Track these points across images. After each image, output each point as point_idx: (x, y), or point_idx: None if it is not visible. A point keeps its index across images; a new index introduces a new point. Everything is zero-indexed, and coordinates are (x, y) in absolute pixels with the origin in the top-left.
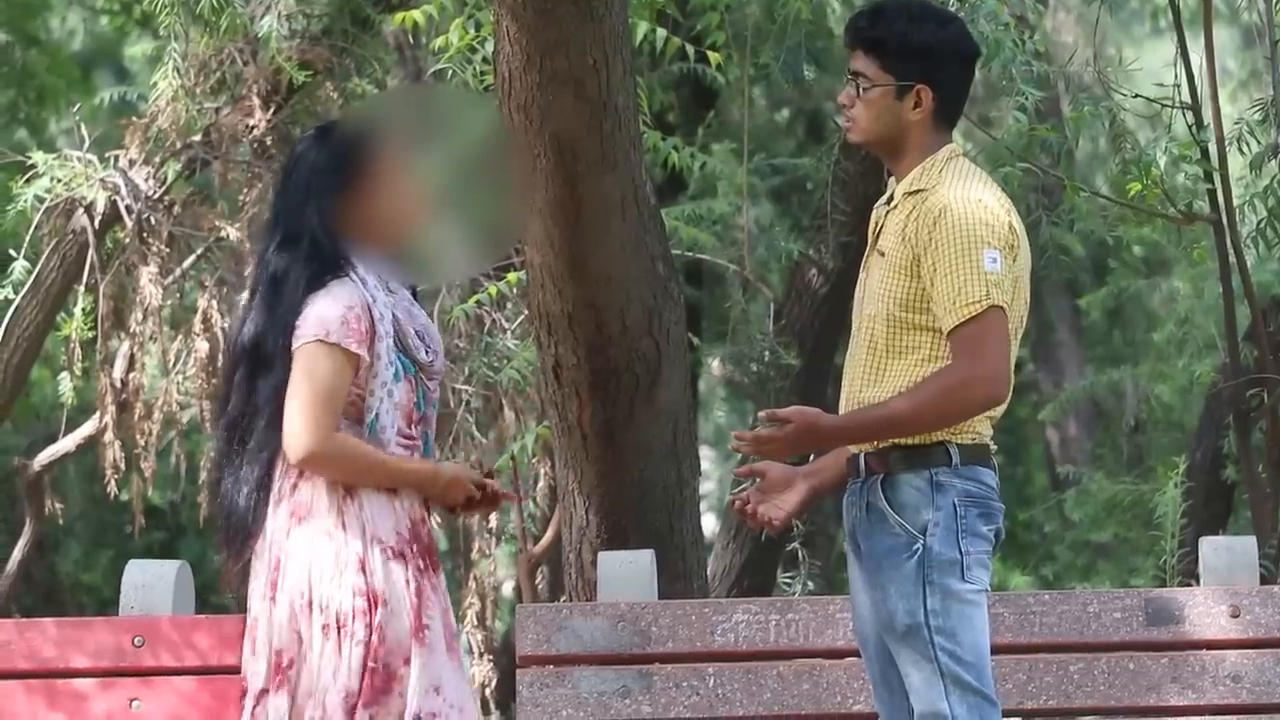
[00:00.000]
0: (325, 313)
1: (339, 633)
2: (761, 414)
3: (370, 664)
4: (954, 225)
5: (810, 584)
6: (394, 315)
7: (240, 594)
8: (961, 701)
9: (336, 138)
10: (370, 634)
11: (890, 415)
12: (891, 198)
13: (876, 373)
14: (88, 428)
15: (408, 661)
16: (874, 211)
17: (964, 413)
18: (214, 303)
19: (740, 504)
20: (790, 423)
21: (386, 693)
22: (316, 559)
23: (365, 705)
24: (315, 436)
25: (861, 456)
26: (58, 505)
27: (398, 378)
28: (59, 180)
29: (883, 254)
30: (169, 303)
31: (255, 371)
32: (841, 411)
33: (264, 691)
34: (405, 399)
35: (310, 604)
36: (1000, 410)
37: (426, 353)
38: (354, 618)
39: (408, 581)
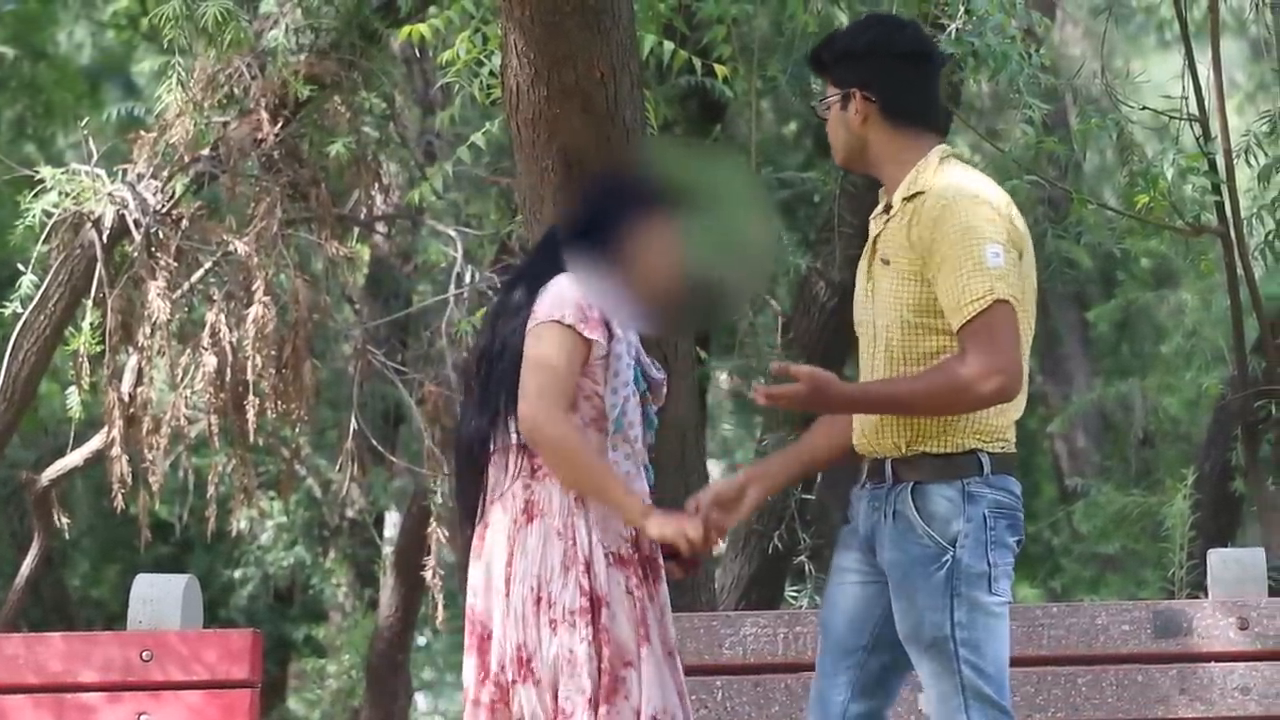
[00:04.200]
0: (562, 295)
1: (568, 629)
2: (774, 366)
3: (602, 666)
4: (954, 223)
5: (818, 597)
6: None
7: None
8: (981, 715)
9: (643, 177)
10: (594, 634)
11: (897, 395)
12: (889, 206)
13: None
14: (95, 442)
15: (628, 664)
16: (871, 224)
17: (970, 405)
18: (222, 316)
19: (699, 512)
20: (800, 382)
21: (614, 693)
22: (546, 556)
23: (602, 703)
24: (543, 409)
25: (889, 463)
26: (65, 520)
27: (638, 383)
28: (67, 194)
29: (887, 263)
30: (177, 317)
31: (501, 314)
32: (858, 423)
33: (510, 683)
34: (638, 413)
35: (539, 600)
36: (1019, 409)
37: (657, 371)
38: (578, 615)
39: (629, 590)
